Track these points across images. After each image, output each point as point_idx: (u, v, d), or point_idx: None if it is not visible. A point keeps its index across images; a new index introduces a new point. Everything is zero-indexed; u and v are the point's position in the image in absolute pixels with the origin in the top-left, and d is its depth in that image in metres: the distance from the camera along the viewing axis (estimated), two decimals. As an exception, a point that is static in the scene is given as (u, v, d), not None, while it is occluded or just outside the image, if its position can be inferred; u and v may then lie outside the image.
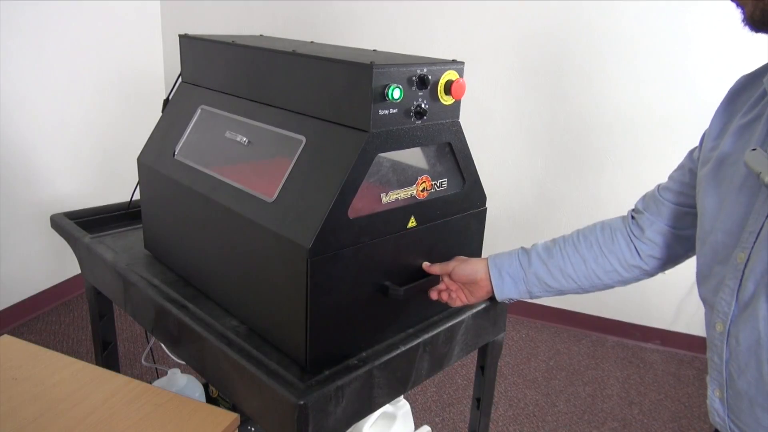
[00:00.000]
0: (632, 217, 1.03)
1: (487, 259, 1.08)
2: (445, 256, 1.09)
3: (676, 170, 0.98)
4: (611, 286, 1.06)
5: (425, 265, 1.06)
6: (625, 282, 1.05)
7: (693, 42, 2.29)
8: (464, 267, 1.06)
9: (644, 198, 1.03)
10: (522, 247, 1.09)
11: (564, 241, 1.06)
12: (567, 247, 1.04)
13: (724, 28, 2.22)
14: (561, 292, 1.07)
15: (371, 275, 0.97)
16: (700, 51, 2.29)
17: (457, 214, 1.08)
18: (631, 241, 1.01)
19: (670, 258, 1.01)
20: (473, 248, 1.15)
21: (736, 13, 0.73)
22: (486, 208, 1.14)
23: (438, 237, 1.06)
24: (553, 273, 1.04)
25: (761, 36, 0.72)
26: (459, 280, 1.07)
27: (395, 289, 0.98)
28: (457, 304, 1.09)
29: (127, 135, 2.80)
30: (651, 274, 1.04)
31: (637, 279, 1.05)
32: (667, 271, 1.04)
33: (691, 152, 0.95)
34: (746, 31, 0.73)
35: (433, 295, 1.07)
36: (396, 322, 1.05)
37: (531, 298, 1.08)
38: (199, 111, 1.22)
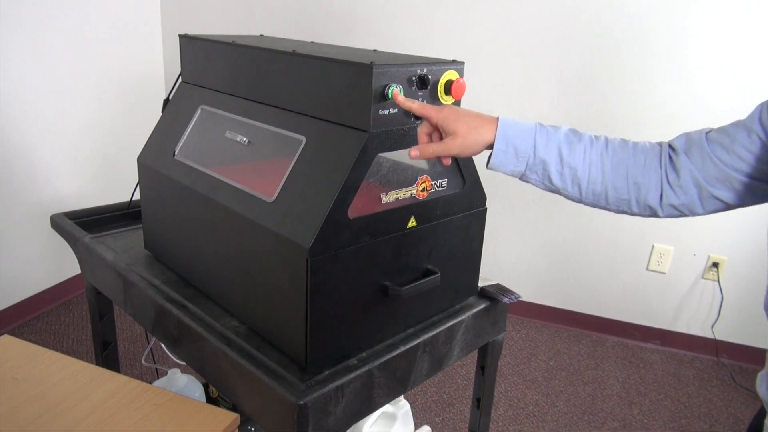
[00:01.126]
0: (669, 157, 0.87)
1: (496, 123, 0.88)
2: (445, 257, 1.09)
3: (734, 126, 0.81)
4: (610, 211, 0.94)
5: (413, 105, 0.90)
6: (626, 214, 0.93)
7: (696, 41, 2.29)
8: (467, 118, 0.88)
9: (687, 139, 0.86)
10: (540, 125, 0.90)
11: (591, 146, 0.90)
12: (592, 154, 0.89)
13: (727, 27, 2.22)
14: (556, 192, 0.92)
15: (371, 275, 0.97)
16: (704, 50, 2.29)
17: (458, 214, 1.08)
18: (661, 184, 0.86)
19: (691, 213, 0.87)
20: (473, 248, 1.15)
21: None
22: (486, 208, 1.14)
23: (438, 237, 1.06)
24: (564, 174, 0.89)
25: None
26: (446, 127, 0.88)
27: (395, 289, 0.98)
28: (427, 153, 0.89)
29: (127, 135, 2.80)
30: (658, 217, 0.91)
31: (639, 216, 0.92)
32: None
33: (760, 113, 0.77)
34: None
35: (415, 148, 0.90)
36: (396, 322, 1.05)
37: (522, 180, 0.94)
38: (199, 111, 1.22)
